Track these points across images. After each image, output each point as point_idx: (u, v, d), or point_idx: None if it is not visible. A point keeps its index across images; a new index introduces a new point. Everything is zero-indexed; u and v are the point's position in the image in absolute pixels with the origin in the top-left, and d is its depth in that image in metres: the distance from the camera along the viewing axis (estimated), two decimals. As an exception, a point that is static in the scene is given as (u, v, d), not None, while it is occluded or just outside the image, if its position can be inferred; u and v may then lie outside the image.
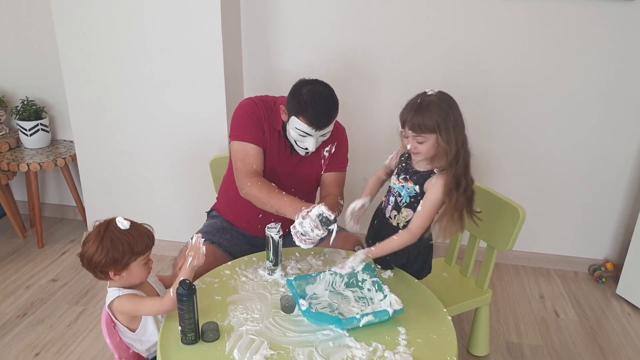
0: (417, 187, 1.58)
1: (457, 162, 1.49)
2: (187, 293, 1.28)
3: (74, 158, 2.75)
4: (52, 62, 2.74)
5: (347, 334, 1.36)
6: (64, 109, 2.86)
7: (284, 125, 1.81)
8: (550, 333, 2.21)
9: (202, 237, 1.46)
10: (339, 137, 1.93)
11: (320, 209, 1.53)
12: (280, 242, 1.60)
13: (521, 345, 2.13)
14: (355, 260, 1.52)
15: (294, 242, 1.57)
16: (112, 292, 1.44)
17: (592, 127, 2.48)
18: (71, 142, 2.94)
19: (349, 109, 2.62)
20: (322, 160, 1.91)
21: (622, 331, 2.24)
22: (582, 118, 2.47)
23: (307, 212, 1.54)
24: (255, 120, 1.81)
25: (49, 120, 2.86)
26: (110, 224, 1.41)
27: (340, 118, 1.83)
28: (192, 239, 1.45)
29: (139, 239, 1.41)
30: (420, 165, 1.60)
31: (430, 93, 1.51)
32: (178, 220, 2.68)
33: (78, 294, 2.38)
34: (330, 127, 1.75)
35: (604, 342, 2.17)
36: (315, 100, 1.68)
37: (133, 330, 1.48)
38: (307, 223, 1.53)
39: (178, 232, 2.70)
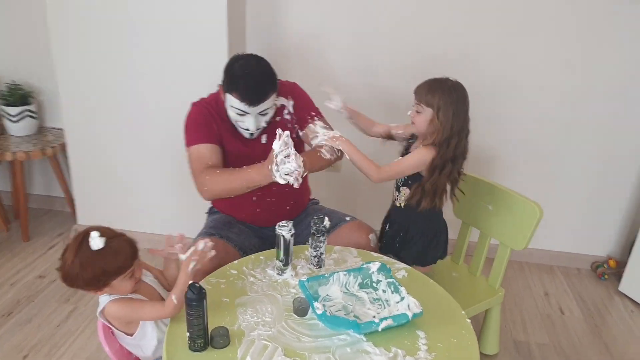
0: None
1: (447, 146, 1.59)
2: (196, 297, 1.19)
3: (63, 147, 2.62)
4: (41, 43, 2.57)
5: (364, 339, 1.30)
6: (53, 94, 2.70)
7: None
8: (557, 331, 2.19)
9: (211, 241, 1.37)
10: (293, 92, 1.83)
11: (276, 143, 1.50)
12: (292, 241, 1.52)
13: (529, 344, 2.09)
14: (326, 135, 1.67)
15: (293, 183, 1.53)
16: (103, 298, 1.35)
17: (598, 125, 2.44)
18: (60, 129, 2.79)
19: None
20: (289, 124, 1.81)
21: (627, 329, 2.23)
22: (587, 115, 2.43)
23: (275, 156, 1.50)
24: (203, 119, 1.73)
25: (36, 106, 2.72)
26: (83, 241, 1.28)
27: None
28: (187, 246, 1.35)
29: (112, 260, 1.28)
30: (416, 146, 1.72)
31: (450, 79, 1.62)
32: (174, 213, 2.58)
33: (68, 291, 2.25)
34: (268, 104, 1.66)
35: (610, 340, 2.15)
36: (246, 74, 1.62)
37: (130, 335, 1.38)
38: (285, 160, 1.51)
39: (174, 226, 2.57)
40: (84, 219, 2.69)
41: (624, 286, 2.45)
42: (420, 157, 1.63)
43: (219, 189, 1.63)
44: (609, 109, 2.41)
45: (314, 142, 1.70)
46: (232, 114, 1.67)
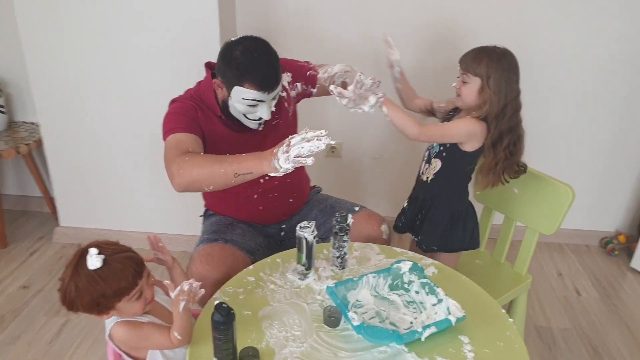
0: None
1: (503, 117, 1.50)
2: (224, 320, 1.05)
3: (38, 143, 2.39)
4: (7, 28, 2.32)
5: (406, 349, 1.19)
6: (23, 85, 2.46)
7: (224, 106, 1.53)
8: (576, 314, 2.13)
9: (199, 282, 1.17)
10: (283, 65, 1.61)
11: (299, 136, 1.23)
12: (314, 244, 1.37)
13: (551, 330, 2.03)
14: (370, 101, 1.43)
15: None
16: (109, 319, 1.20)
17: (607, 98, 2.35)
18: (32, 124, 2.56)
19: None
20: (286, 102, 1.67)
21: (645, 307, 2.19)
22: (598, 90, 2.34)
23: (290, 138, 1.24)
24: (184, 112, 1.53)
25: (4, 99, 2.47)
26: (81, 260, 1.12)
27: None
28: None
29: (112, 281, 1.12)
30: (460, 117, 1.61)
31: (498, 46, 1.52)
32: (163, 210, 2.40)
33: (57, 302, 2.00)
34: (280, 86, 1.50)
35: (630, 320, 2.11)
36: (255, 58, 1.43)
37: None
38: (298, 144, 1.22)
39: (164, 223, 2.42)
40: (66, 220, 2.49)
41: (636, 262, 2.41)
42: (470, 128, 1.52)
43: (197, 173, 1.34)
44: (618, 86, 2.32)
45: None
46: (242, 107, 1.48)
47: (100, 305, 1.13)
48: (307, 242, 1.35)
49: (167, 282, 1.17)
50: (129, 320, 1.19)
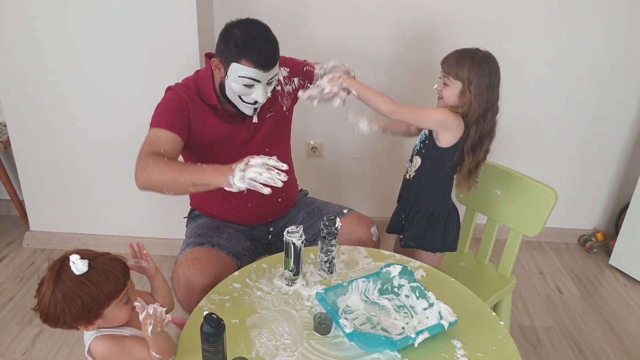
0: (427, 131, 1.60)
1: (484, 121, 1.51)
2: (214, 332, 1.01)
3: (6, 144, 2.28)
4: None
5: (399, 355, 1.17)
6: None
7: (222, 91, 1.53)
8: (559, 312, 2.15)
9: (164, 307, 1.11)
10: (284, 63, 1.67)
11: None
12: (303, 249, 1.34)
13: (535, 329, 2.04)
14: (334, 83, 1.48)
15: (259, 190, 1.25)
16: (87, 334, 1.15)
17: (584, 98, 2.38)
18: (-1, 124, 2.45)
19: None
20: (279, 96, 1.66)
21: (624, 304, 2.22)
22: (575, 91, 2.36)
23: (250, 158, 1.26)
24: (176, 105, 1.51)
25: (-33, 98, 2.34)
26: (62, 268, 1.07)
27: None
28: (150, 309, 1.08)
29: (102, 284, 1.07)
30: None
31: (481, 49, 1.51)
32: (140, 212, 2.32)
33: (29, 311, 1.97)
34: (277, 69, 1.50)
35: (611, 317, 2.13)
36: (254, 37, 1.45)
37: None
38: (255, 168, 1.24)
39: (142, 226, 2.35)
40: (37, 224, 2.39)
41: (615, 260, 2.44)
42: (444, 118, 1.51)
43: (157, 178, 1.36)
44: (593, 82, 2.34)
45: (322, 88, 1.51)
46: (238, 87, 1.47)
47: (91, 311, 1.07)
48: (295, 247, 1.32)
49: (137, 303, 1.10)
50: (109, 334, 1.14)
